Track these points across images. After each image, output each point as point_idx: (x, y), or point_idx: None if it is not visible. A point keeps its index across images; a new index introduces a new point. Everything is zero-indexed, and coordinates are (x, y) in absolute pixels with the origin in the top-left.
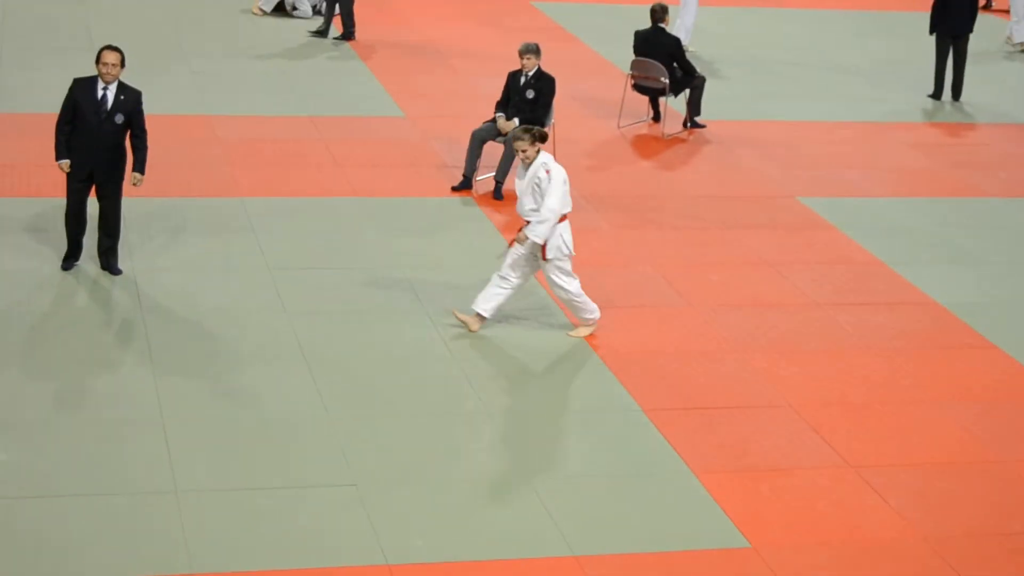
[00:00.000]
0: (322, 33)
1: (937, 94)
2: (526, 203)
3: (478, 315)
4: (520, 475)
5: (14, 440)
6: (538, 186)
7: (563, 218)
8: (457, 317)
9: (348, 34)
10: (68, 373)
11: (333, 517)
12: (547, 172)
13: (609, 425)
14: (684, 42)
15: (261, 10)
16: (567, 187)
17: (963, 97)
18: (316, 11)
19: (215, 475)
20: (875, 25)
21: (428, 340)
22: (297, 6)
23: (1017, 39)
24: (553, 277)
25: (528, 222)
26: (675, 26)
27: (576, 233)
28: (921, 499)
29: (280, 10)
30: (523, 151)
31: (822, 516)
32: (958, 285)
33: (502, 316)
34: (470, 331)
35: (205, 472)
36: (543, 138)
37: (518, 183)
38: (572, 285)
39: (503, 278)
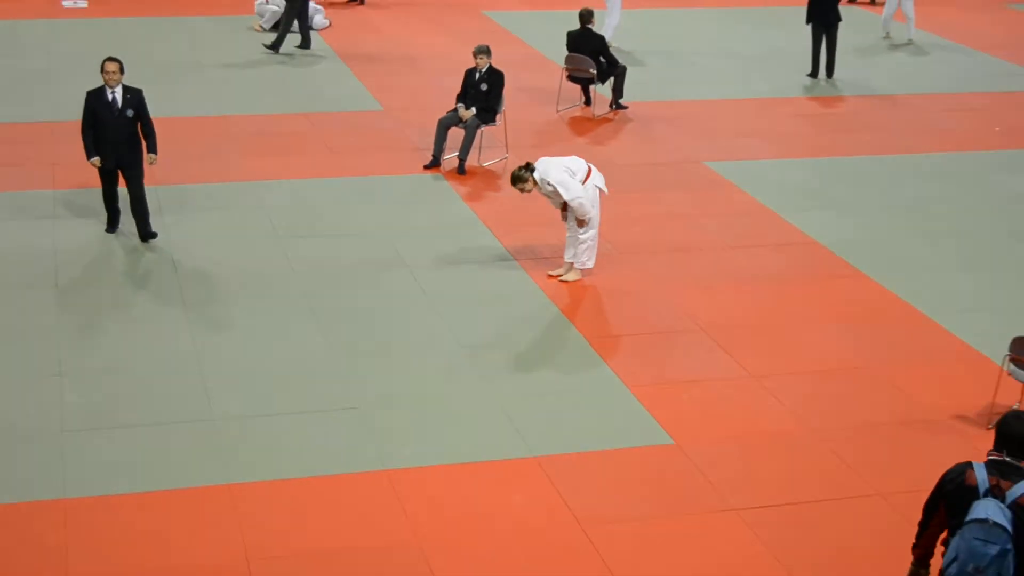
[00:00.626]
0: (275, 47)
1: (814, 73)
2: (555, 205)
3: (570, 264)
4: (488, 395)
5: (89, 383)
6: (556, 193)
7: (587, 175)
8: (554, 276)
9: (306, 43)
10: (121, 318)
11: (339, 435)
12: (550, 183)
13: (559, 352)
14: (609, 38)
15: (261, 27)
16: (568, 167)
17: (835, 75)
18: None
19: (245, 404)
20: (763, 19)
21: (410, 290)
22: (262, 14)
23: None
24: (575, 220)
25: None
26: (602, 26)
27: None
28: (809, 400)
29: (276, 27)
30: (527, 190)
31: (730, 416)
32: (834, 228)
33: (471, 267)
34: (567, 281)
35: (238, 402)
36: (529, 167)
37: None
38: (592, 229)
39: (570, 231)
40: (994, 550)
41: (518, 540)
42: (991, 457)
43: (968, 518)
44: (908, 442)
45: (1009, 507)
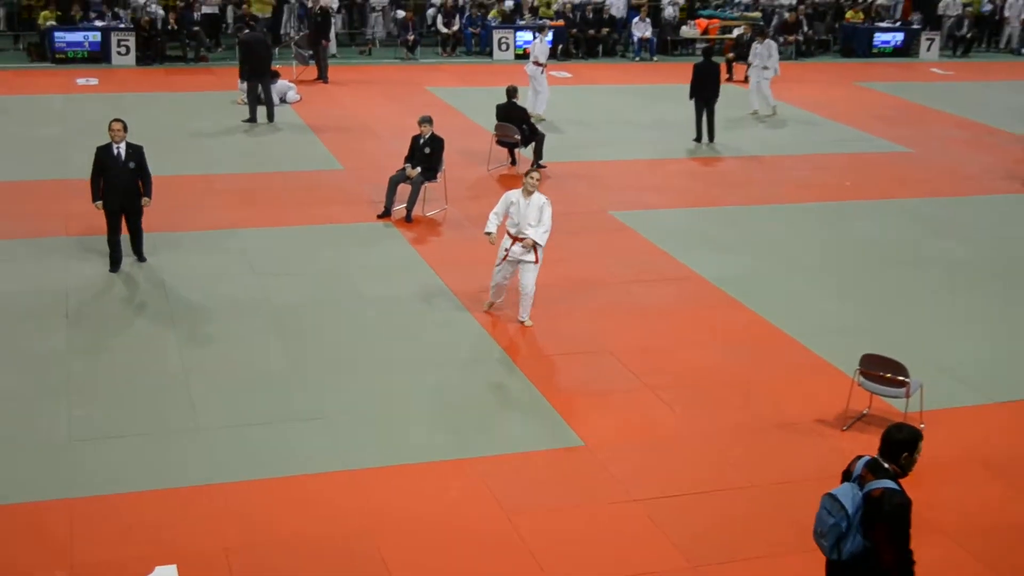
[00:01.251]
0: (252, 120)
1: (698, 139)
2: (530, 221)
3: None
4: (429, 406)
5: (92, 398)
6: (542, 209)
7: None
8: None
9: (270, 115)
10: (120, 342)
11: (307, 440)
12: (546, 200)
13: (488, 370)
14: (541, 112)
15: (243, 101)
16: None
17: (715, 140)
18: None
19: (225, 415)
20: (656, 95)
21: (365, 318)
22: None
23: (753, 108)
24: (530, 275)
25: (522, 238)
26: (533, 102)
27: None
28: (697, 407)
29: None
30: (538, 182)
31: (631, 422)
32: (716, 265)
33: (416, 300)
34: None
35: (219, 413)
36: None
37: (521, 207)
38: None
39: (502, 277)
40: (831, 521)
41: (454, 529)
42: (875, 456)
43: (828, 492)
44: (778, 441)
45: (863, 496)
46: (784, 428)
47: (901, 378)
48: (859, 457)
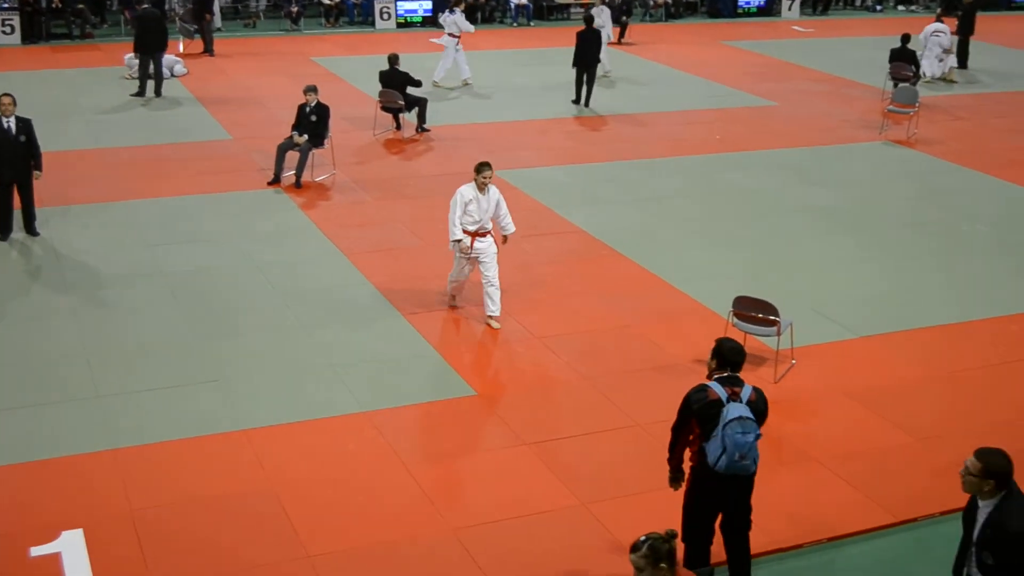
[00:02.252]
0: (140, 94)
1: (576, 101)
2: (491, 213)
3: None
4: (324, 363)
5: None
6: (498, 202)
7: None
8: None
9: (158, 89)
10: (15, 312)
11: (204, 403)
12: (497, 189)
13: (379, 325)
14: (437, 78)
15: (131, 75)
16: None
17: (592, 104)
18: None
19: (123, 381)
20: (534, 60)
21: (257, 282)
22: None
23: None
24: (495, 268)
25: (485, 232)
26: (449, 68)
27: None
28: (581, 353)
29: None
30: (489, 178)
31: (520, 370)
32: (597, 219)
33: (307, 262)
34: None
35: (117, 379)
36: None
37: (481, 204)
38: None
39: (463, 274)
40: (751, 437)
41: (354, 481)
42: (717, 376)
43: (726, 420)
44: (658, 383)
45: (747, 405)
46: (664, 370)
47: (772, 317)
48: (701, 388)
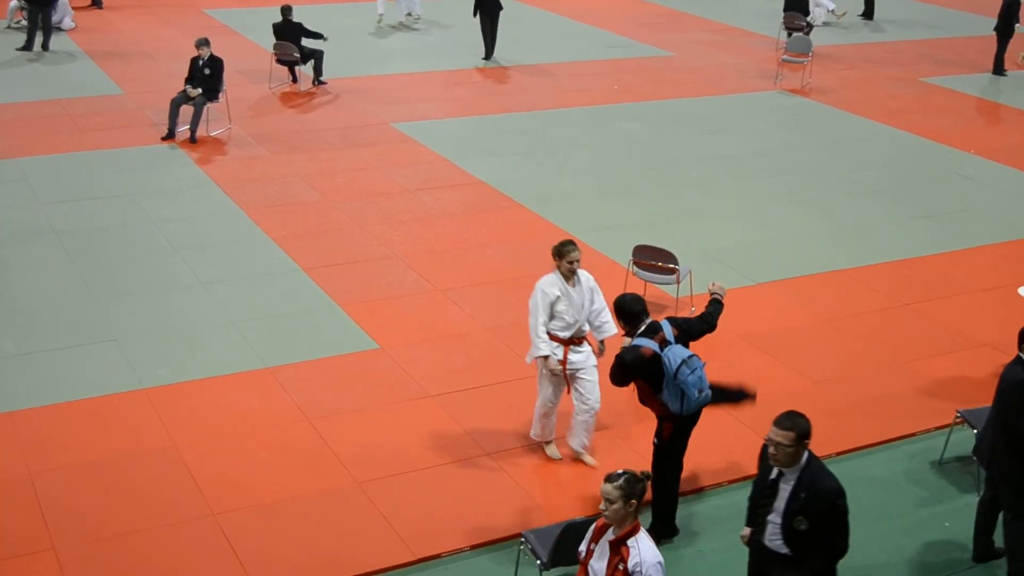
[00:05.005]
0: (27, 47)
1: (488, 56)
2: (587, 310)
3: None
4: (224, 320)
5: None
6: (593, 291)
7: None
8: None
9: (46, 43)
10: None
11: (103, 362)
12: (590, 275)
13: (280, 280)
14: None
15: (16, 24)
16: None
17: (495, 54)
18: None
19: (19, 343)
20: (441, 10)
21: (154, 239)
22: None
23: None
24: (596, 385)
25: (581, 339)
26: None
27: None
28: (483, 305)
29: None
30: (578, 261)
31: (422, 323)
32: (497, 170)
33: (204, 217)
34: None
35: (12, 341)
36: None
37: (573, 299)
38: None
39: (555, 399)
40: (700, 371)
41: (259, 437)
42: (641, 330)
43: (672, 369)
44: None
45: (677, 342)
46: None
47: (671, 266)
48: (634, 348)
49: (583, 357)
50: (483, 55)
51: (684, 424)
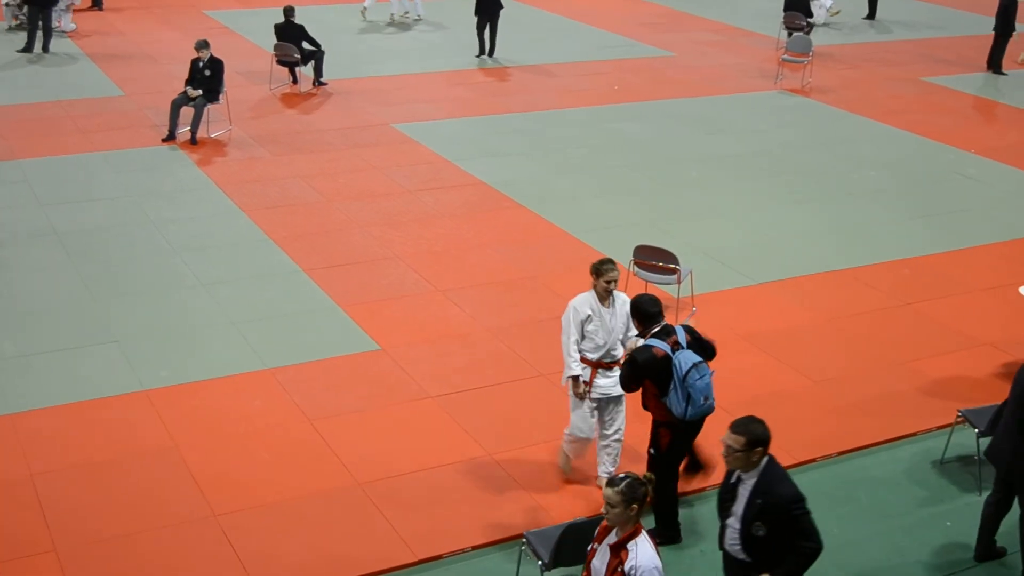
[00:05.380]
0: (28, 49)
1: (481, 53)
2: (620, 333)
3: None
4: (226, 322)
5: None
6: (628, 315)
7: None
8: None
9: (46, 45)
10: None
11: (104, 364)
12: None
13: (280, 281)
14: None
15: (15, 23)
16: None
17: (497, 54)
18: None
19: (21, 344)
20: (441, 10)
21: (156, 241)
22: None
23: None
24: (623, 412)
25: (612, 363)
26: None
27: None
28: (484, 306)
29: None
30: (616, 280)
31: (423, 324)
32: (497, 170)
33: (205, 218)
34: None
35: (13, 343)
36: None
37: (605, 320)
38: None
39: (587, 424)
40: (708, 378)
41: (260, 438)
42: (654, 331)
43: (682, 372)
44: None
45: (689, 349)
46: None
47: (672, 266)
48: (646, 348)
49: (611, 383)
50: (476, 52)
51: (685, 433)
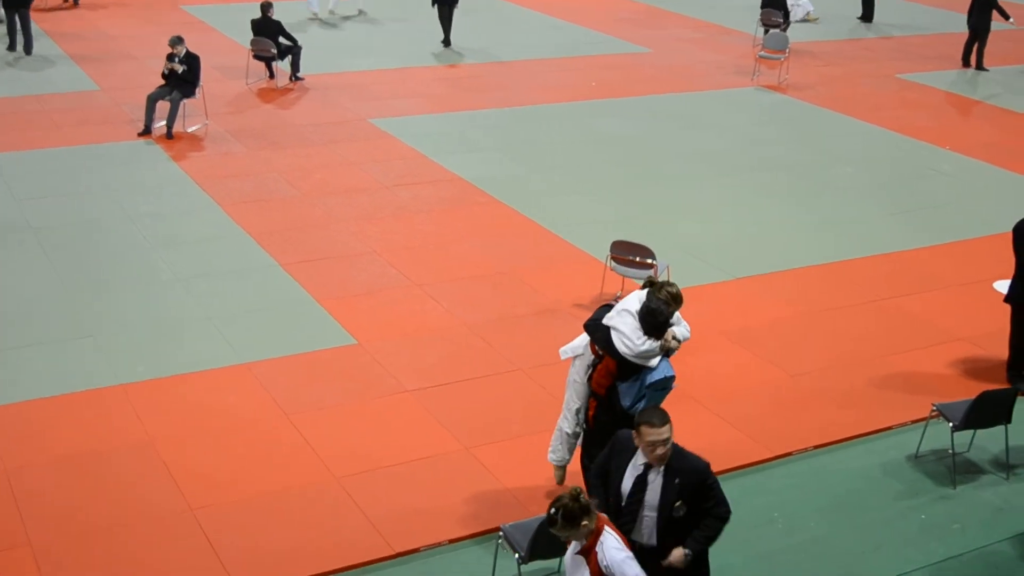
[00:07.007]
0: (11, 48)
1: (445, 44)
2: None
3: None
4: (202, 315)
5: None
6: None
7: None
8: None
9: (28, 48)
10: None
11: (79, 359)
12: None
13: (257, 275)
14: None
15: None
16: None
17: (465, 50)
18: None
19: None
20: (422, 4)
21: (132, 236)
22: None
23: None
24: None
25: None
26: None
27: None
28: (461, 300)
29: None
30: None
31: (400, 318)
32: (473, 165)
33: (181, 213)
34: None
35: None
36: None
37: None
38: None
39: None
40: (664, 396)
41: (235, 432)
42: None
43: (660, 376)
44: (538, 327)
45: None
46: (544, 314)
47: (649, 260)
48: None
49: None
50: (442, 39)
51: (612, 423)
